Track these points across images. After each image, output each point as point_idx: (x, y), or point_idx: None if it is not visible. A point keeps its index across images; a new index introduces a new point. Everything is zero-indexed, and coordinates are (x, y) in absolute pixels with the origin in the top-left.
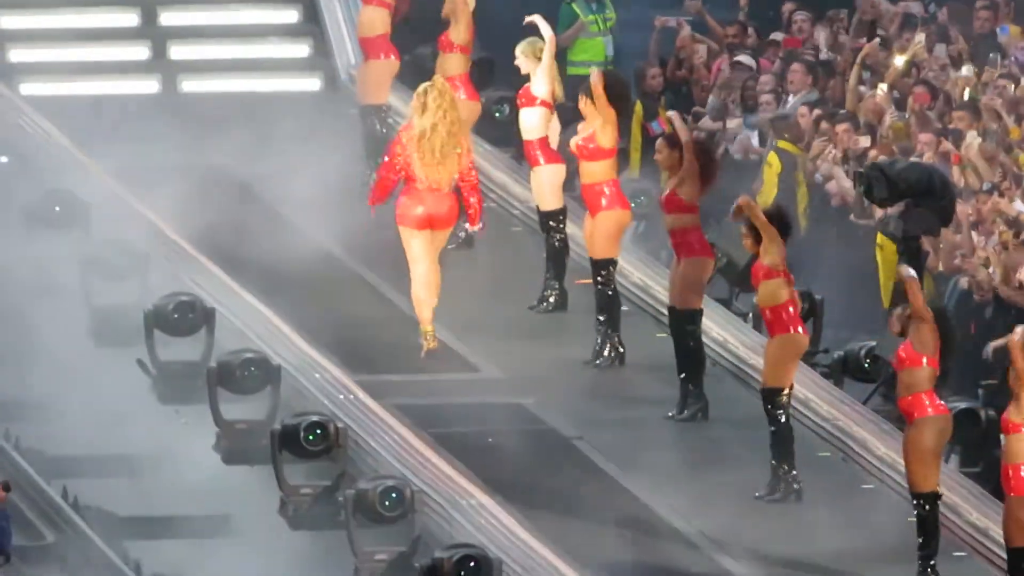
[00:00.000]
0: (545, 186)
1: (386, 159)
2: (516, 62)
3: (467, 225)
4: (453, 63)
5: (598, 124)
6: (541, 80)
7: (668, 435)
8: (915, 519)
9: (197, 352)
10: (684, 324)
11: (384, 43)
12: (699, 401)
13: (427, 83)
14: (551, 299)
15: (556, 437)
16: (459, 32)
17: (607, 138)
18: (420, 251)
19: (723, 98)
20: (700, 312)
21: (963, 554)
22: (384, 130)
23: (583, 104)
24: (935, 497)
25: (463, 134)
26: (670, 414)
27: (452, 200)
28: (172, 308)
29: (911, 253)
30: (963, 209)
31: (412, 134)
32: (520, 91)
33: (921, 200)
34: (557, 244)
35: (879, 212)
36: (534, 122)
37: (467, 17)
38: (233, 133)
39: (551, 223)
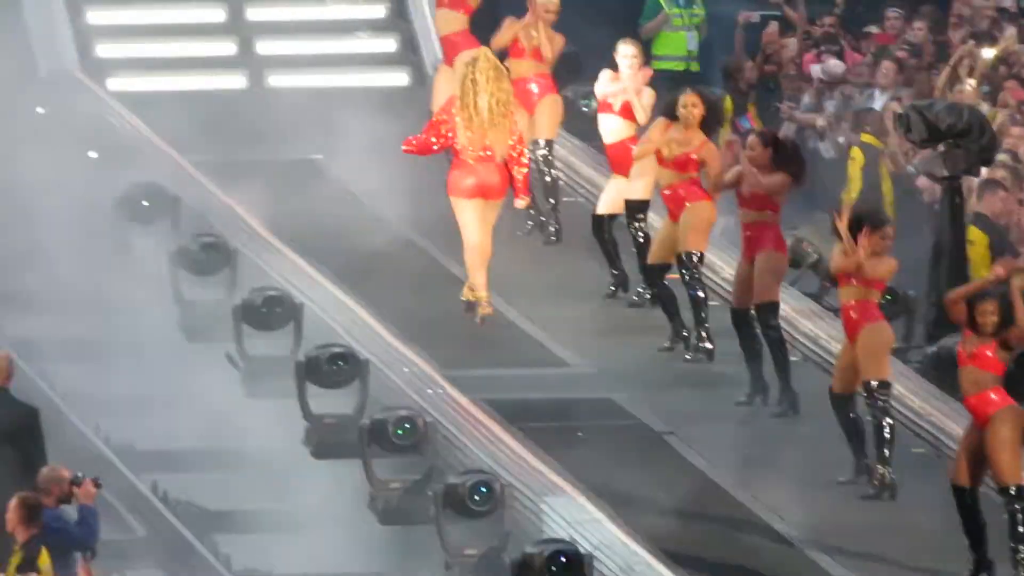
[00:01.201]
0: (632, 177)
1: (432, 120)
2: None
3: (517, 201)
4: (524, 66)
5: (696, 144)
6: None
7: (758, 430)
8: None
9: (285, 347)
10: (769, 317)
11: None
12: (788, 395)
13: (473, 51)
14: (639, 290)
15: (646, 432)
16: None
17: (704, 157)
18: (471, 220)
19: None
20: (778, 304)
21: None
22: None
23: (682, 121)
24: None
25: (513, 105)
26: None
27: (502, 171)
28: (261, 303)
29: (952, 193)
30: None
31: (458, 102)
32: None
33: (961, 140)
34: (640, 238)
35: (920, 155)
36: (612, 127)
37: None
38: (319, 128)
39: (637, 215)
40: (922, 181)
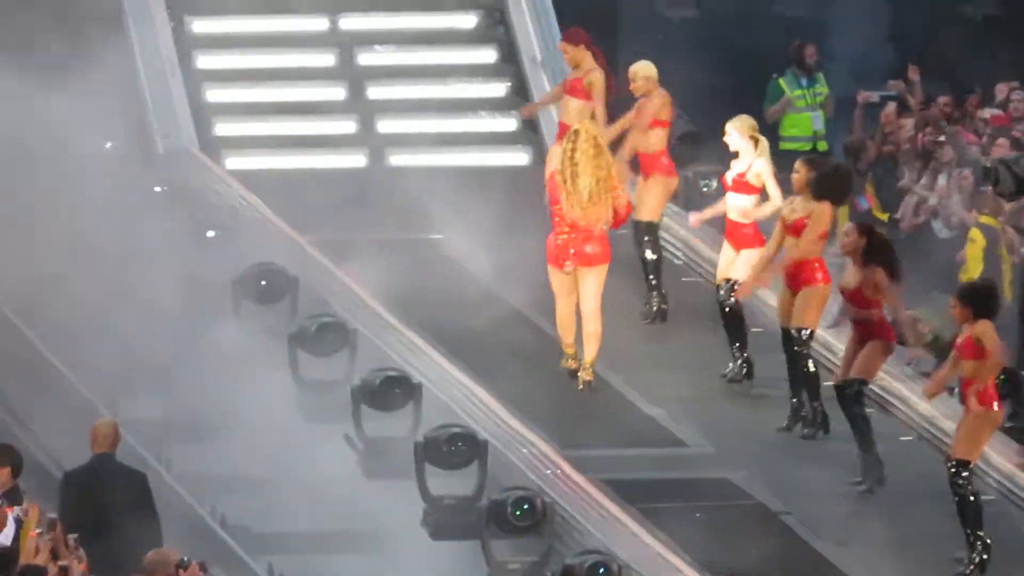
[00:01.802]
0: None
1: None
2: (726, 138)
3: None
4: (654, 138)
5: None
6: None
7: (874, 507)
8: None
9: (405, 427)
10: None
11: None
12: (876, 470)
13: (576, 125)
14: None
15: (764, 512)
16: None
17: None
18: (559, 288)
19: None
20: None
21: None
22: None
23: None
24: None
25: (617, 180)
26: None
27: (603, 241)
28: (379, 383)
29: None
30: None
31: (558, 177)
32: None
33: None
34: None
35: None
36: (744, 205)
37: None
38: (440, 207)
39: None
40: None
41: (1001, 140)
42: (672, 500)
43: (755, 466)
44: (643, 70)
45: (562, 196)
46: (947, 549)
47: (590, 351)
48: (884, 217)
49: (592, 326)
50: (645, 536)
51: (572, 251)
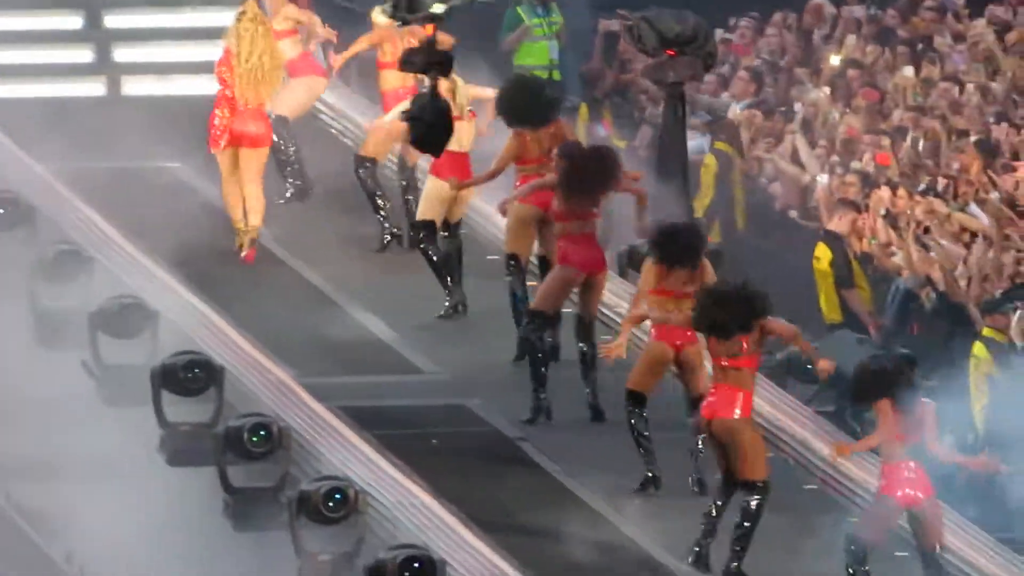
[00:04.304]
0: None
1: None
2: None
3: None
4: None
5: None
6: None
7: (607, 433)
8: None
9: (142, 354)
10: None
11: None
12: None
13: (241, 9)
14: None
15: (500, 438)
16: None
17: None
18: (225, 168)
19: None
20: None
21: None
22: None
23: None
24: None
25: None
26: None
27: (265, 121)
28: (117, 309)
29: (675, 99)
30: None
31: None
32: None
33: (687, 47)
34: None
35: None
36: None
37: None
38: (177, 135)
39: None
40: (774, 187)
41: (741, 72)
42: (408, 427)
43: (490, 393)
44: None
45: (231, 77)
46: (684, 471)
47: (254, 219)
48: (622, 144)
49: (255, 203)
50: (382, 462)
51: (234, 131)
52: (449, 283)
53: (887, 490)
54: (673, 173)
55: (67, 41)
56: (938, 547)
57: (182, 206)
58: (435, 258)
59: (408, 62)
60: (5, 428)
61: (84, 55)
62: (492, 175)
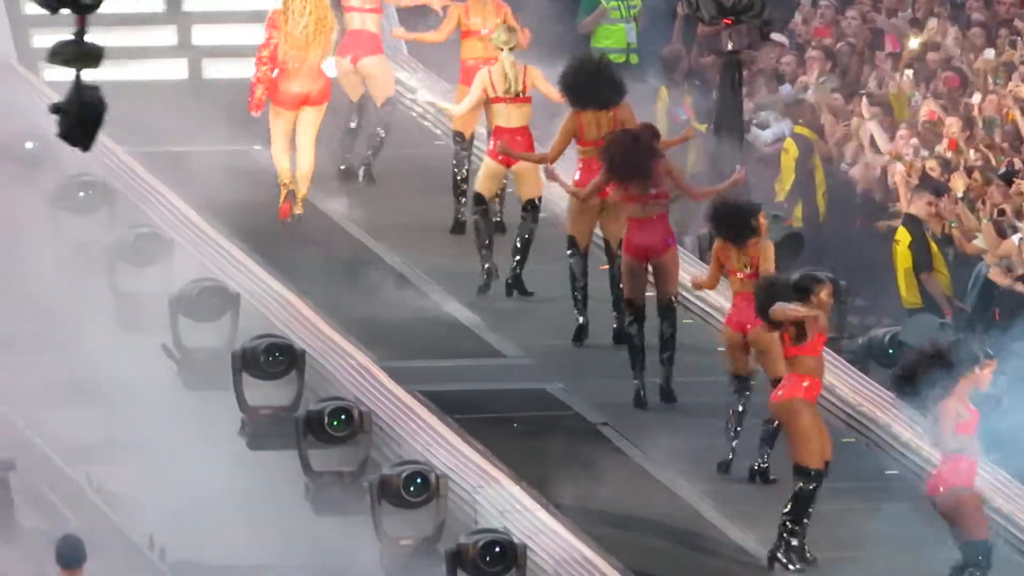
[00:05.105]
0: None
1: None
2: None
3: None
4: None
5: None
6: None
7: (689, 419)
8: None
9: (222, 337)
10: None
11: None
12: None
13: None
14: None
15: (581, 423)
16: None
17: None
18: (282, 129)
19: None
20: None
21: None
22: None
23: None
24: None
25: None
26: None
27: (324, 80)
28: (197, 293)
29: (733, 66)
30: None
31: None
32: None
33: (743, 16)
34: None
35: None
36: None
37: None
38: (257, 117)
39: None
40: (855, 171)
41: (814, 52)
42: (490, 411)
43: (571, 378)
44: None
45: (280, 37)
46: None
47: (302, 188)
48: (702, 128)
49: (305, 161)
50: (463, 447)
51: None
52: (482, 256)
53: (967, 481)
54: (730, 143)
55: (149, 23)
56: None
57: (262, 189)
58: (478, 230)
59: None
60: (87, 411)
61: (167, 37)
62: (548, 158)
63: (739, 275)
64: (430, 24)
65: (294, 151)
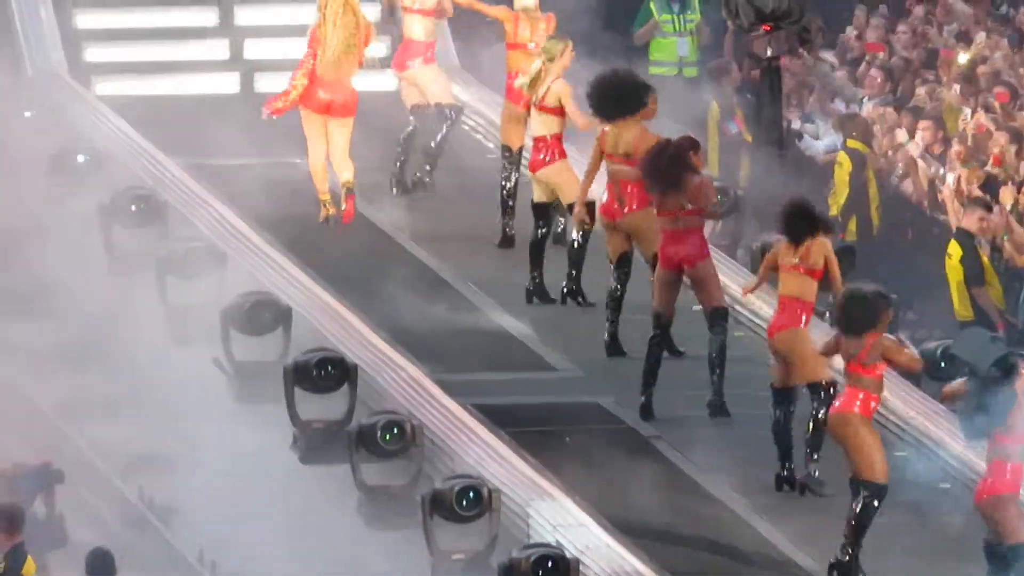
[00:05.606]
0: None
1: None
2: None
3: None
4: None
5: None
6: None
7: (742, 432)
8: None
9: (274, 351)
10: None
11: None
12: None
13: None
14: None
15: (634, 436)
16: None
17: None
18: (314, 133)
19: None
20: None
21: None
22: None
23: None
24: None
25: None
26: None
27: (351, 93)
28: (248, 307)
29: (772, 72)
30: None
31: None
32: None
33: (782, 22)
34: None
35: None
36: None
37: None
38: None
39: None
40: (907, 184)
41: (873, 71)
42: (542, 424)
43: (623, 391)
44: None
45: (319, 51)
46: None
47: (346, 175)
48: (750, 139)
49: (345, 175)
50: (515, 460)
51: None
52: (531, 268)
53: (1014, 487)
54: (767, 148)
55: (201, 37)
56: None
57: (313, 202)
58: (534, 239)
59: None
60: (138, 424)
61: (220, 51)
62: (589, 176)
63: (789, 268)
64: (483, 35)
65: (330, 169)
